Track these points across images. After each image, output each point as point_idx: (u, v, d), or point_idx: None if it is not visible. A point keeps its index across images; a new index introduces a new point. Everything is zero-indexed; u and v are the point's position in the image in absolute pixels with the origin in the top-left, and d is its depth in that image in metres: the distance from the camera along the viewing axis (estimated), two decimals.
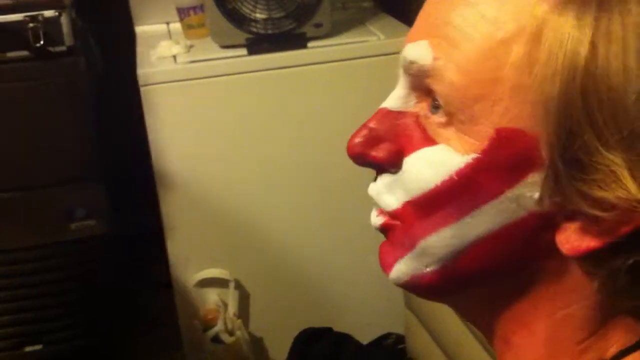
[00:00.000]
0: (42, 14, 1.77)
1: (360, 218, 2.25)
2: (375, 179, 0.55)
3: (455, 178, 0.48)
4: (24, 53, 1.80)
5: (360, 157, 0.53)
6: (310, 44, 1.87)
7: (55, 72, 1.84)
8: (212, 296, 2.02)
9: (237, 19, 1.81)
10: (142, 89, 1.79)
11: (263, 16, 1.81)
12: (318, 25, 1.86)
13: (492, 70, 0.46)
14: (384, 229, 0.54)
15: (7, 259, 1.95)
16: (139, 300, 2.38)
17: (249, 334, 2.06)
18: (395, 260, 0.53)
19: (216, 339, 1.97)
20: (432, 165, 0.49)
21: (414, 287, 0.54)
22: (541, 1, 0.45)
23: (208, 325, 1.99)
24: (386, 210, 0.53)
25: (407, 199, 0.51)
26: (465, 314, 0.58)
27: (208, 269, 1.98)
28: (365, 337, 2.03)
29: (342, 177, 1.97)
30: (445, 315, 1.60)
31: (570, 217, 0.46)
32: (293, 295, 2.09)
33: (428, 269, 0.51)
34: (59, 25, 1.80)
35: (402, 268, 0.53)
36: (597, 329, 0.50)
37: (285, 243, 2.02)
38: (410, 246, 0.52)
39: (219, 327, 1.97)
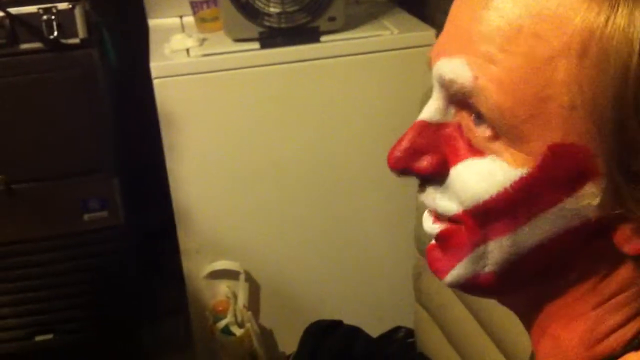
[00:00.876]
0: (55, 6, 1.78)
1: (371, 211, 2.27)
2: (422, 189, 0.54)
3: (511, 191, 0.48)
4: (38, 45, 1.80)
5: (403, 171, 0.53)
6: (323, 38, 1.87)
7: (69, 65, 1.84)
8: (222, 288, 2.02)
9: (251, 12, 1.81)
10: (155, 82, 1.79)
11: (277, 10, 1.81)
12: (332, 19, 1.86)
13: (540, 88, 0.45)
14: (441, 237, 0.54)
15: (20, 250, 1.97)
16: (150, 291, 2.39)
17: (259, 325, 2.06)
18: (452, 266, 0.54)
19: (226, 331, 1.98)
20: (484, 177, 0.49)
21: (468, 287, 0.54)
22: (584, 11, 0.43)
23: (218, 316, 2.00)
24: (446, 215, 0.53)
25: (463, 207, 0.51)
26: (509, 305, 0.59)
27: (219, 260, 1.99)
28: (375, 330, 2.03)
29: (355, 171, 1.97)
30: (455, 309, 1.60)
31: (628, 219, 0.46)
32: (303, 287, 2.09)
33: (485, 270, 0.52)
34: (73, 17, 1.80)
35: (458, 272, 0.53)
36: (637, 313, 0.51)
37: (295, 235, 2.03)
38: (469, 251, 0.52)
39: (229, 318, 1.98)
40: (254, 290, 2.06)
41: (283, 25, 1.82)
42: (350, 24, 1.93)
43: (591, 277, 0.51)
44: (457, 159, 0.51)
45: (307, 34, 1.85)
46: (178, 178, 1.89)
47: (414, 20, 2.02)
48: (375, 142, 1.91)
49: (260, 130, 1.90)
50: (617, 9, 0.43)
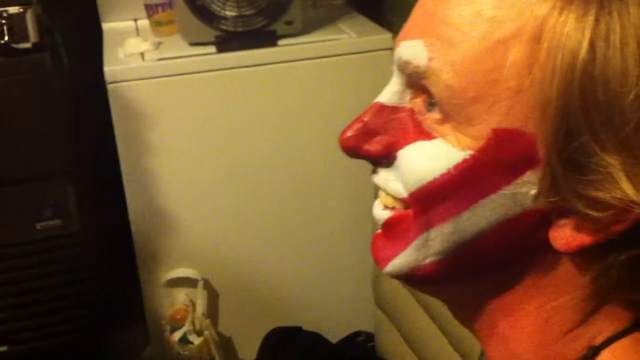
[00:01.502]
0: (6, 10, 1.74)
1: (330, 216, 2.26)
2: (375, 171, 0.55)
3: (454, 172, 0.48)
4: None
5: (353, 151, 0.54)
6: (280, 42, 1.86)
7: (21, 69, 1.80)
8: (180, 296, 2.00)
9: (207, 16, 1.79)
10: (109, 87, 1.76)
11: (233, 13, 1.79)
12: (289, 23, 1.85)
13: (490, 71, 0.46)
14: (388, 223, 0.55)
15: None
16: (106, 299, 2.35)
17: (218, 334, 2.04)
18: (395, 254, 0.54)
19: (184, 340, 1.95)
20: (430, 158, 0.49)
21: (409, 278, 0.54)
22: (541, 1, 0.45)
23: (176, 325, 1.97)
24: (396, 196, 0.53)
25: (408, 189, 0.51)
26: (452, 304, 0.58)
27: (176, 268, 1.96)
28: (335, 335, 2.03)
29: (312, 176, 1.97)
30: (413, 312, 1.60)
31: (565, 214, 0.47)
32: (262, 294, 2.08)
33: (427, 261, 0.52)
34: (24, 21, 1.76)
35: (400, 262, 0.53)
36: (587, 318, 0.51)
37: (254, 242, 2.01)
38: (413, 238, 0.52)
39: (187, 327, 1.95)
40: (213, 297, 2.04)
41: (239, 29, 1.81)
42: (307, 28, 1.92)
43: (533, 273, 0.51)
44: (406, 141, 0.51)
45: (264, 38, 1.84)
46: (134, 183, 1.86)
47: (371, 24, 2.02)
48: (333, 147, 1.89)
49: (217, 135, 1.88)
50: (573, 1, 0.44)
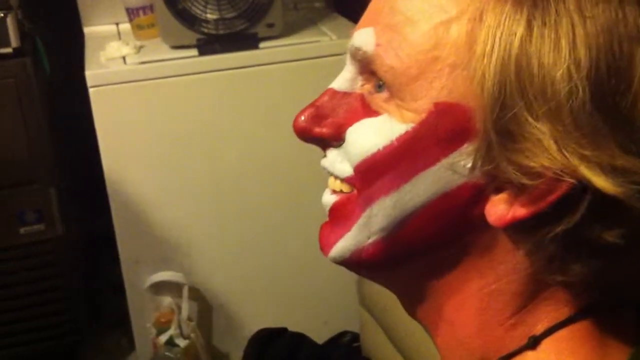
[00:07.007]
0: None
1: (314, 217, 2.25)
2: (325, 155, 0.57)
3: (396, 144, 0.50)
4: None
5: (304, 133, 0.56)
6: (262, 45, 1.87)
7: (2, 74, 1.81)
8: (165, 299, 2.00)
9: (188, 19, 1.79)
10: (90, 91, 1.76)
11: (214, 16, 1.80)
12: (270, 26, 1.85)
13: (432, 49, 0.49)
14: (334, 208, 0.57)
15: None
16: (92, 303, 2.35)
17: (204, 336, 2.04)
18: (338, 238, 0.56)
19: (170, 343, 1.95)
20: (374, 131, 0.52)
21: (354, 262, 0.56)
22: None
23: (162, 328, 1.97)
24: (341, 177, 0.55)
25: (353, 164, 0.53)
26: (400, 291, 0.60)
27: (161, 272, 1.96)
28: (321, 336, 2.03)
29: (295, 177, 1.97)
30: (398, 311, 1.61)
31: (499, 189, 0.49)
32: (247, 296, 2.08)
33: (370, 241, 0.54)
34: (5, 26, 1.76)
35: (343, 245, 0.55)
36: (526, 304, 0.52)
37: (238, 243, 2.01)
38: (357, 219, 0.54)
39: (172, 330, 1.95)
40: (198, 300, 2.04)
41: (221, 32, 1.81)
42: (288, 30, 1.93)
43: (471, 252, 0.52)
44: (355, 120, 0.54)
45: (245, 41, 1.84)
46: (117, 187, 1.86)
47: (352, 26, 2.02)
48: (315, 148, 1.91)
49: (200, 138, 1.88)
50: None
